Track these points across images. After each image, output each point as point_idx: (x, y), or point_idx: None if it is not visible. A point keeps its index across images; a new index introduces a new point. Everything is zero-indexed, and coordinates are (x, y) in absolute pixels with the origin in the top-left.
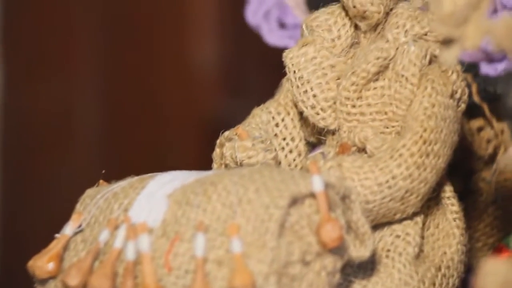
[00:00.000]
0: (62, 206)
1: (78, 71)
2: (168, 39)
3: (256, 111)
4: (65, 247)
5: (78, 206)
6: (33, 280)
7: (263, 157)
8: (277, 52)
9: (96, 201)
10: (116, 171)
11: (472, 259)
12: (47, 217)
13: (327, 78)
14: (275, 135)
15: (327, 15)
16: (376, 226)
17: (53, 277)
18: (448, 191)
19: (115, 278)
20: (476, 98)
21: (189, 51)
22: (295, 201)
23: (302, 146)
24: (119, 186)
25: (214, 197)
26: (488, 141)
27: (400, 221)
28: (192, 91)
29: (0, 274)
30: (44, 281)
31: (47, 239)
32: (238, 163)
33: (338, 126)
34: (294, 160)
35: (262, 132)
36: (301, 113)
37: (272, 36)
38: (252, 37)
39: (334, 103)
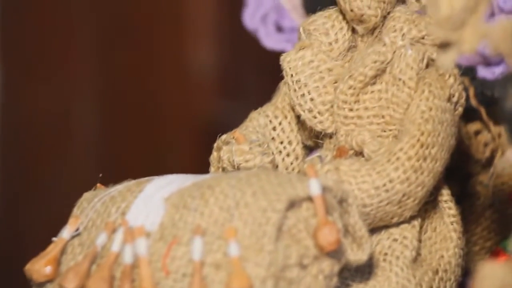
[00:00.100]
0: (60, 210)
1: (77, 74)
2: (166, 42)
3: (254, 114)
4: (63, 251)
5: (76, 210)
6: (31, 283)
7: (260, 160)
8: (275, 56)
9: (93, 204)
10: (114, 175)
11: (470, 263)
12: (45, 220)
13: (325, 81)
14: (272, 138)
15: (325, 19)
16: (374, 230)
17: (50, 280)
18: (446, 194)
19: (112, 282)
20: (473, 102)
21: (186, 54)
22: (292, 205)
23: (299, 150)
24: (116, 189)
25: (212, 201)
26: (486, 144)
27: (397, 224)
28: (189, 94)
29: None
30: (41, 284)
31: (45, 242)
32: (236, 167)
33: (335, 129)
34: (292, 163)
35: (259, 136)
36: (298, 117)
37: (269, 40)
38: (250, 40)
39: (332, 106)
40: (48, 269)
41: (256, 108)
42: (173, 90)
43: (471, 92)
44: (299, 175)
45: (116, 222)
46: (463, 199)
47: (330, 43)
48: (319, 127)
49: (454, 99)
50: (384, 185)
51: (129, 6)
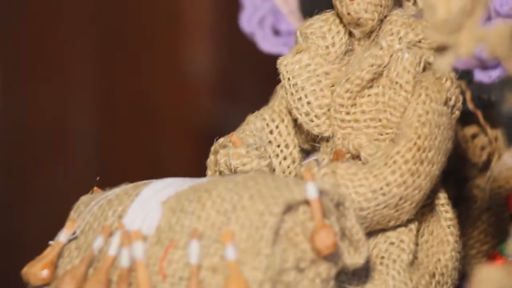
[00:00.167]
0: (56, 213)
1: (74, 76)
2: (164, 45)
3: (251, 118)
4: (59, 254)
5: (72, 213)
6: (28, 287)
7: (257, 164)
8: (271, 59)
9: (90, 208)
10: (111, 178)
11: (466, 266)
12: (42, 223)
13: (321, 85)
14: (269, 142)
15: (321, 22)
16: (370, 233)
17: (47, 284)
18: (442, 198)
19: (109, 285)
20: (470, 105)
21: (184, 57)
22: (289, 208)
23: (296, 153)
24: (113, 193)
25: (209, 204)
26: (482, 148)
27: (394, 228)
28: (186, 98)
29: None
30: None
31: (41, 246)
32: (233, 170)
33: (332, 133)
34: (288, 167)
35: (256, 139)
36: (295, 120)
37: (266, 43)
38: (247, 44)
39: (328, 110)
40: (45, 273)
41: (253, 112)
42: (170, 93)
43: (468, 95)
44: (296, 179)
45: (113, 226)
46: (460, 203)
47: (327, 47)
48: (316, 131)
49: (451, 103)
50: (381, 188)
51: (126, 8)
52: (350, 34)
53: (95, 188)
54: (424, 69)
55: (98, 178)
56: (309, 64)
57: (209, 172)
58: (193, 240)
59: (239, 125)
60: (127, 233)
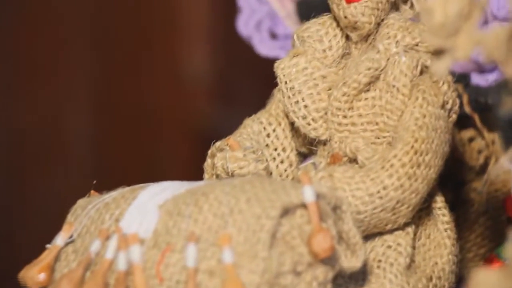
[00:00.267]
0: (53, 216)
1: (71, 79)
2: (161, 48)
3: (248, 121)
4: (56, 258)
5: (69, 217)
6: None
7: (254, 167)
8: (268, 63)
9: (87, 211)
10: (108, 181)
11: (463, 270)
12: (38, 227)
13: (318, 88)
14: (267, 145)
15: (318, 26)
16: (368, 237)
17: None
18: (440, 201)
19: None
20: (467, 109)
21: (180, 61)
22: (286, 212)
23: (293, 157)
24: (110, 196)
25: (206, 208)
26: (479, 151)
27: (391, 231)
28: (183, 101)
29: None
30: None
31: (38, 249)
32: (230, 174)
33: (329, 136)
34: (285, 170)
35: (253, 143)
36: (292, 124)
37: (263, 47)
38: (244, 47)
39: (325, 113)
40: (42, 276)
41: (250, 115)
42: (167, 97)
43: (465, 99)
44: (293, 182)
45: (110, 229)
46: (457, 206)
47: (324, 50)
48: (313, 134)
49: (448, 106)
50: (378, 192)
51: (125, 11)
52: (347, 37)
53: (92, 191)
54: (421, 73)
55: (95, 181)
56: (306, 67)
57: (206, 176)
58: (190, 244)
59: (236, 129)
60: (124, 236)
